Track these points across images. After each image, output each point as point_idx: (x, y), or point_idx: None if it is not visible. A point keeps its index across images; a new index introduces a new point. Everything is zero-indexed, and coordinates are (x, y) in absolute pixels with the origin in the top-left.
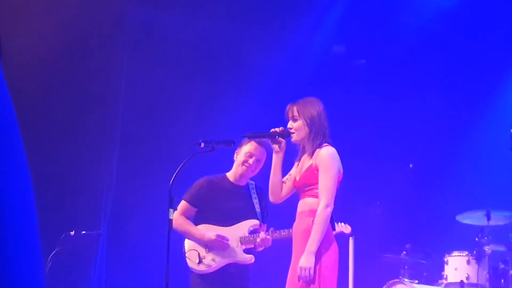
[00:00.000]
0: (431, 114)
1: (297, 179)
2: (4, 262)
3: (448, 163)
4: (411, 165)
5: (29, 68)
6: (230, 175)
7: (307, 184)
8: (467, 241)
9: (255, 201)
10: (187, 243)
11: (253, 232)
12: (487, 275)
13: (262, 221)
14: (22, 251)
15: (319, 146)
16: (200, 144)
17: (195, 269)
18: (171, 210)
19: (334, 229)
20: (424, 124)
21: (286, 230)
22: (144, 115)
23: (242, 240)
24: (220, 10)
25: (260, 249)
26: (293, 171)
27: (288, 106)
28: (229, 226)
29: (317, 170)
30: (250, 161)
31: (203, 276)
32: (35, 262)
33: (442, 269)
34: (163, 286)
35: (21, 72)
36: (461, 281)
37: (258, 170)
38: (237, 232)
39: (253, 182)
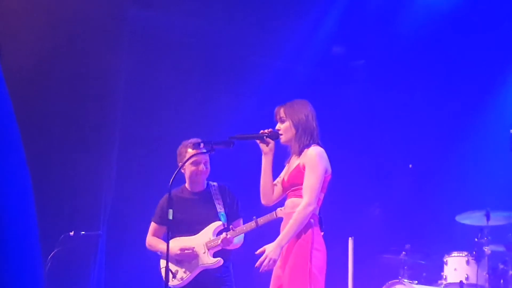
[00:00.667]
0: (430, 114)
1: (285, 179)
2: (4, 262)
3: (448, 163)
4: (410, 165)
5: (28, 68)
6: (187, 184)
7: (295, 184)
8: (467, 241)
9: (217, 202)
10: (161, 262)
11: (220, 233)
12: (487, 275)
13: (228, 220)
14: (21, 251)
15: (307, 146)
16: (200, 145)
17: (171, 286)
18: (170, 210)
19: (322, 230)
20: (423, 124)
21: (244, 226)
22: (144, 115)
23: (208, 245)
24: (220, 10)
25: (232, 248)
26: (283, 173)
27: (276, 109)
28: (197, 234)
29: (304, 169)
30: (200, 167)
31: None
32: (34, 262)
33: (441, 269)
34: (162, 286)
35: (20, 72)
36: (461, 281)
37: (209, 170)
38: (202, 238)
39: (215, 183)
